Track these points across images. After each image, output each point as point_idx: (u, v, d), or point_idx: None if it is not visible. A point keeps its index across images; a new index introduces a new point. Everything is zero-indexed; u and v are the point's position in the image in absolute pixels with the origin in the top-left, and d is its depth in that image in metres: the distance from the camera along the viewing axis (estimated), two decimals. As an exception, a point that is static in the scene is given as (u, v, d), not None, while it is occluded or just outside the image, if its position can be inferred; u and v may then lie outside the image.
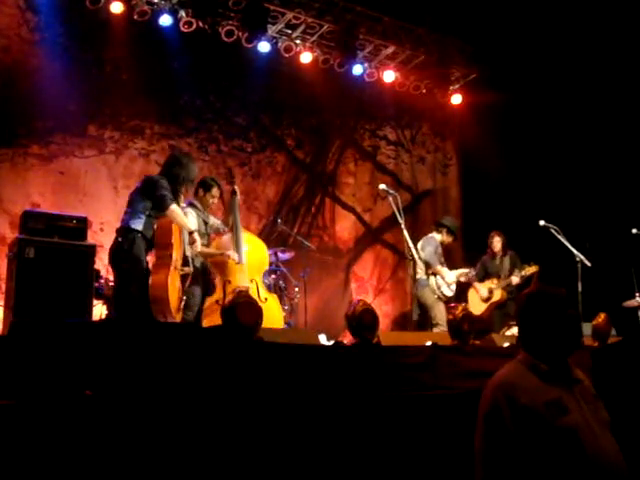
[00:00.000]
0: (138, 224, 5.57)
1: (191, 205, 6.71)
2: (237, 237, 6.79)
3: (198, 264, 6.61)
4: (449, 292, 8.32)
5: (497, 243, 9.12)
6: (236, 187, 7.06)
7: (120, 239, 5.59)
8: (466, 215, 11.31)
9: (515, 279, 8.77)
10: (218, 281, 6.74)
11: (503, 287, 8.88)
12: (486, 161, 10.34)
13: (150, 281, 5.45)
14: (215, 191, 6.87)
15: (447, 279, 8.28)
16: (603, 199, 9.97)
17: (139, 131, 9.14)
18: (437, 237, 8.58)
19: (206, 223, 6.80)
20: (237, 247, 6.73)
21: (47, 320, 5.03)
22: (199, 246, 5.99)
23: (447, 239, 8.66)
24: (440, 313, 8.03)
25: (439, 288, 8.23)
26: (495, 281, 8.98)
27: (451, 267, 8.69)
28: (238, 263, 6.66)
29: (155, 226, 5.74)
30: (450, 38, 10.72)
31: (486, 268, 9.19)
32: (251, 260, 6.84)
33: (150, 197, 5.69)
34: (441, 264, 8.41)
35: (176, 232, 5.73)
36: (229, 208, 7.03)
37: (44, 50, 8.42)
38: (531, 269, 8.70)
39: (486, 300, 8.91)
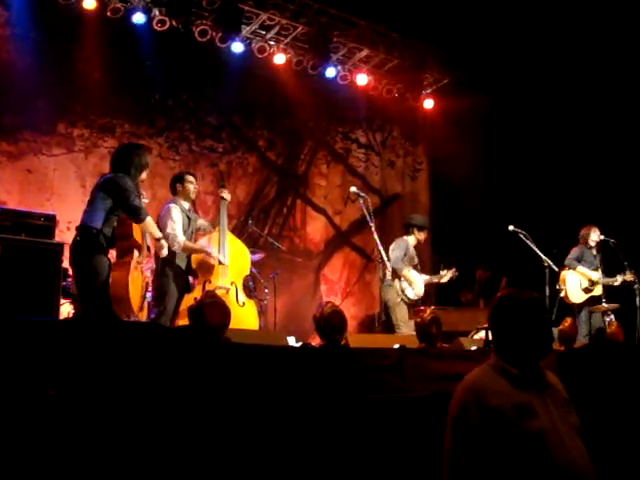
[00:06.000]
0: (97, 222, 5.40)
1: (173, 202, 6.67)
2: (222, 239, 6.79)
3: (182, 263, 6.57)
4: (413, 296, 8.07)
5: (596, 236, 8.90)
6: (225, 192, 7.04)
7: (79, 238, 5.43)
8: (435, 220, 11.37)
9: (618, 280, 8.64)
10: (198, 280, 6.71)
11: (604, 284, 8.74)
12: (456, 166, 10.40)
13: (110, 279, 5.36)
14: (189, 177, 6.82)
15: (415, 284, 8.13)
16: (572, 205, 10.08)
17: (109, 130, 9.07)
18: (410, 240, 8.34)
19: (190, 219, 6.74)
20: (221, 248, 6.72)
21: (12, 318, 4.97)
22: (165, 252, 5.90)
23: (420, 237, 8.42)
24: (401, 315, 7.94)
25: (403, 291, 8.02)
26: (597, 275, 8.81)
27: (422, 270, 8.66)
28: (221, 264, 6.65)
29: (115, 223, 5.61)
30: (423, 43, 10.78)
31: (583, 255, 8.95)
32: (234, 263, 6.83)
33: (115, 200, 5.55)
34: (414, 267, 8.23)
35: (137, 227, 5.62)
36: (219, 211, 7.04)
37: (14, 45, 8.32)
38: (631, 277, 8.52)
39: (587, 291, 8.77)
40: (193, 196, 6.88)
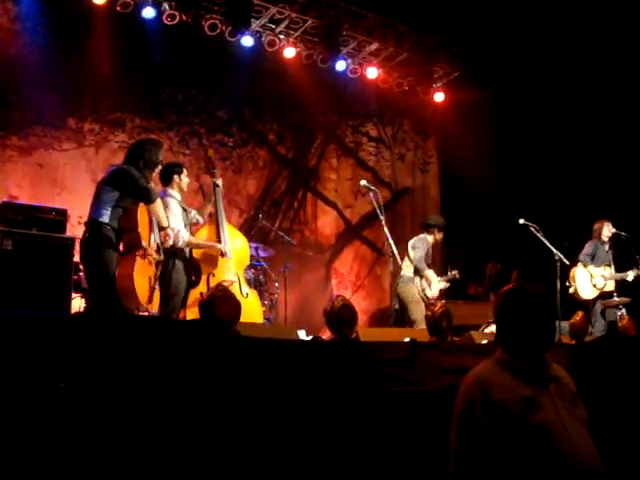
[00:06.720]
0: (104, 216, 5.40)
1: (168, 196, 6.55)
2: (222, 230, 6.69)
3: (187, 254, 6.49)
4: (432, 296, 8.05)
5: (607, 230, 8.83)
6: (219, 179, 6.93)
7: (87, 233, 5.44)
8: (445, 213, 11.31)
9: (632, 275, 8.60)
10: (202, 273, 6.60)
11: (617, 279, 8.70)
12: (467, 159, 10.37)
13: (117, 272, 5.37)
14: (186, 171, 6.71)
15: (434, 284, 8.10)
16: (584, 198, 10.03)
17: (120, 124, 9.09)
18: (429, 238, 8.37)
19: (185, 210, 6.65)
20: (222, 240, 6.63)
21: (23, 312, 4.99)
22: (171, 242, 5.84)
23: (439, 237, 8.47)
24: (419, 312, 7.92)
25: (423, 290, 8.05)
26: (609, 271, 8.77)
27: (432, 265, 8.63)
28: (224, 256, 6.57)
29: (121, 214, 5.54)
30: (433, 36, 10.74)
31: (596, 251, 8.87)
32: (235, 255, 6.74)
33: (123, 189, 5.50)
34: (428, 266, 8.24)
35: (144, 219, 5.58)
36: (208, 199, 6.96)
37: (24, 40, 8.34)
38: None
39: (599, 287, 8.73)
40: (186, 189, 6.74)
